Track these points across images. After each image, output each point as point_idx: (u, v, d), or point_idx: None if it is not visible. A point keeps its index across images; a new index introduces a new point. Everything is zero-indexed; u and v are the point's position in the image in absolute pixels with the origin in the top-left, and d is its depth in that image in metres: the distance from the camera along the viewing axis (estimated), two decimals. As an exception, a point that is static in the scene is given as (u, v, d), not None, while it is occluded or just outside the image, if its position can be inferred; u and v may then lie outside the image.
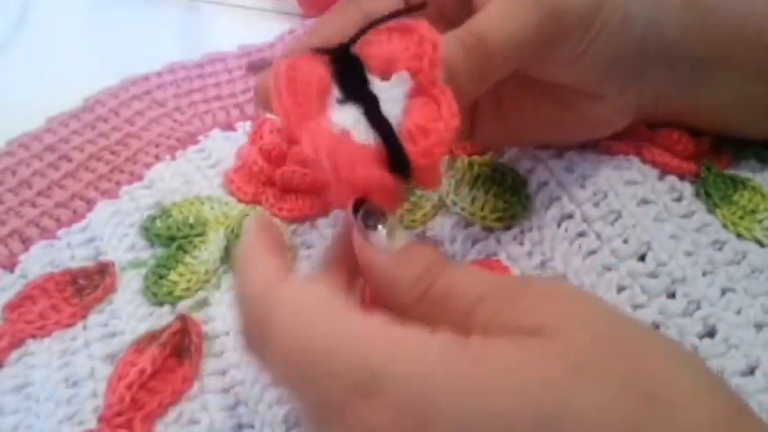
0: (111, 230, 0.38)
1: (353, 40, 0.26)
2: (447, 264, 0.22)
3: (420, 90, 0.24)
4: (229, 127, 0.46)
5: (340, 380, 0.20)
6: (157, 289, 0.35)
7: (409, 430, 0.19)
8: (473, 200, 0.34)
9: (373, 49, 0.26)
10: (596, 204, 0.33)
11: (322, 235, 0.36)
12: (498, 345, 0.20)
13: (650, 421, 0.18)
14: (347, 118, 0.24)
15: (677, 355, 0.20)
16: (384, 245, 0.23)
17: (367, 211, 0.23)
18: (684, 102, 0.34)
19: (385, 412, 0.19)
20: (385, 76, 0.25)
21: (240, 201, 0.39)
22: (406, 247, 0.23)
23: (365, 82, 0.25)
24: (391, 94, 0.24)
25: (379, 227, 0.23)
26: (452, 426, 0.19)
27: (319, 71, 0.25)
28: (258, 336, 0.22)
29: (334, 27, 0.29)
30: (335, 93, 0.25)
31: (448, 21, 0.29)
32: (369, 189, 0.23)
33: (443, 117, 0.23)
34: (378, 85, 0.25)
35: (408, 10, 0.27)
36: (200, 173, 0.41)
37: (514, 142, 0.35)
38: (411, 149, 0.23)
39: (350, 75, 0.25)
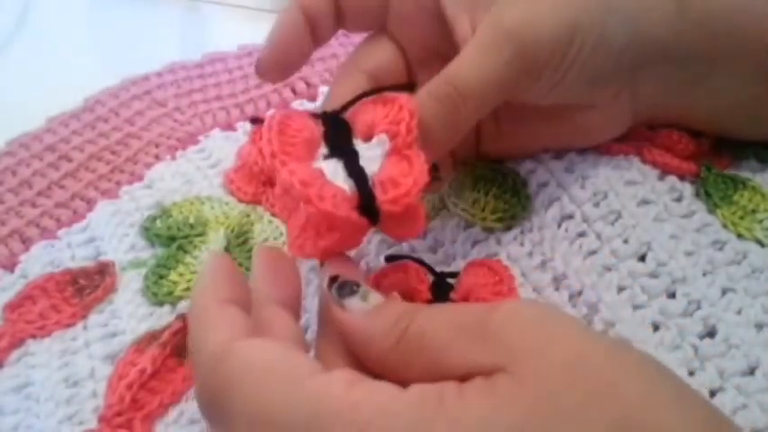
0: (112, 230, 0.38)
1: (345, 107, 0.29)
2: (417, 311, 0.22)
3: (396, 151, 0.27)
4: (229, 127, 0.46)
5: None
6: (158, 289, 0.35)
7: None
8: (474, 201, 0.34)
9: (359, 116, 0.28)
10: (596, 204, 0.33)
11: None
12: (470, 397, 0.19)
13: None
14: (329, 169, 0.26)
15: (650, 370, 0.19)
16: (359, 308, 0.23)
17: (341, 282, 0.24)
18: (683, 105, 0.34)
19: None
20: (367, 138, 0.27)
21: (240, 201, 0.39)
22: (378, 304, 0.23)
23: (350, 141, 0.28)
24: (371, 153, 0.27)
25: (354, 296, 0.24)
26: None
27: (311, 127, 0.28)
28: (217, 405, 0.21)
29: (345, 94, 0.30)
30: (322, 149, 0.27)
31: (439, 57, 0.31)
32: (334, 223, 0.25)
33: (413, 173, 0.26)
34: (360, 146, 0.27)
35: (396, 87, 0.29)
36: (200, 173, 0.41)
37: (518, 154, 0.36)
38: (381, 197, 0.25)
39: (337, 135, 0.28)
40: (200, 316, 0.23)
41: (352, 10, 0.32)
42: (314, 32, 0.32)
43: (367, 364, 0.23)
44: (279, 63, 0.31)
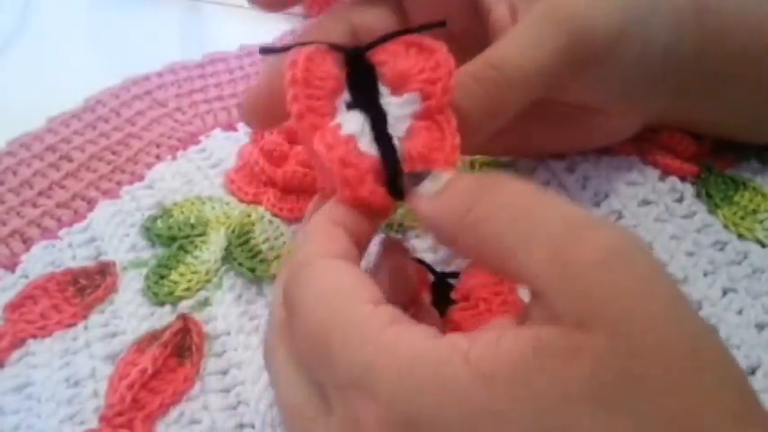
0: (113, 230, 0.38)
1: (371, 46, 0.27)
2: (489, 187, 0.21)
3: (427, 114, 0.25)
4: (230, 127, 0.46)
5: (340, 367, 0.20)
6: (158, 289, 0.35)
7: (395, 429, 0.19)
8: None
9: (389, 61, 0.26)
10: (597, 205, 0.33)
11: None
12: (506, 348, 0.18)
13: None
14: (354, 124, 0.25)
15: (720, 375, 0.18)
16: (429, 189, 0.23)
17: (414, 173, 0.24)
18: (691, 115, 0.34)
19: (372, 409, 0.19)
20: (396, 90, 0.26)
21: (241, 201, 0.39)
22: (446, 181, 0.23)
23: (376, 92, 0.26)
24: (399, 112, 0.25)
25: (426, 180, 0.23)
26: None
27: (335, 71, 0.26)
28: (289, 306, 0.23)
29: (321, 36, 0.28)
30: (346, 95, 0.26)
31: (457, 41, 0.29)
32: (368, 202, 0.24)
33: (444, 148, 0.24)
34: (387, 99, 0.26)
35: (428, 26, 0.27)
36: (201, 173, 0.41)
37: (525, 153, 0.35)
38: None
39: (362, 81, 0.26)
40: (309, 227, 0.25)
41: None
42: None
43: (441, 240, 0.23)
44: (262, 107, 0.30)
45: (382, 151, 0.25)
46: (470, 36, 0.30)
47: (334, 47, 0.26)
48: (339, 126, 0.25)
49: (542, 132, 0.34)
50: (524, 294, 0.31)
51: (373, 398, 0.19)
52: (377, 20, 0.30)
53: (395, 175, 0.24)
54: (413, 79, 0.25)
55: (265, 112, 0.30)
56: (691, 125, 0.35)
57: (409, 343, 0.20)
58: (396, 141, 0.25)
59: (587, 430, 0.17)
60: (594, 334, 0.17)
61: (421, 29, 0.27)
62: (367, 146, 0.25)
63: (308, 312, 0.22)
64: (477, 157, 0.36)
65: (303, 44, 0.26)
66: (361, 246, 0.25)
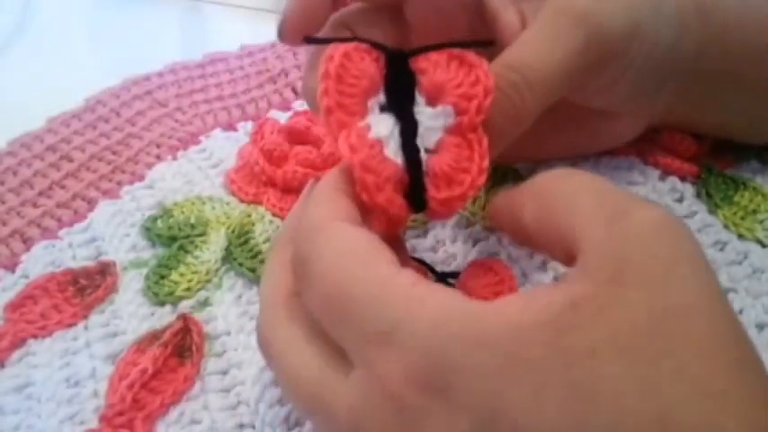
0: (113, 230, 0.38)
1: (415, 52, 0.26)
2: (562, 172, 0.23)
3: (459, 130, 0.25)
4: (231, 127, 0.46)
5: (367, 325, 0.20)
6: (159, 289, 0.35)
7: (427, 389, 0.19)
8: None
9: (428, 70, 0.26)
10: (597, 205, 0.33)
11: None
12: (533, 305, 0.19)
13: (686, 419, 0.17)
14: (384, 128, 0.24)
15: (740, 351, 0.19)
16: None
17: None
18: (693, 116, 0.34)
19: (402, 364, 0.19)
20: (432, 100, 0.25)
21: (241, 201, 0.39)
22: None
23: (411, 99, 0.25)
24: (432, 123, 0.25)
25: None
26: (476, 388, 0.18)
27: (371, 71, 0.25)
28: (302, 268, 0.23)
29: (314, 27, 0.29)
30: (381, 97, 0.25)
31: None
32: (383, 209, 0.24)
33: (472, 171, 0.24)
34: (421, 108, 0.25)
35: (475, 44, 0.27)
36: (201, 173, 0.41)
37: (527, 158, 0.35)
38: (432, 194, 0.24)
39: (400, 86, 0.26)
40: (316, 195, 0.24)
41: None
42: None
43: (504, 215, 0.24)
44: (300, 26, 0.29)
45: (408, 161, 0.24)
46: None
47: (378, 46, 0.26)
48: (368, 127, 0.24)
49: (551, 138, 0.33)
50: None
51: (402, 352, 0.19)
52: (378, 36, 0.30)
53: (417, 187, 0.24)
54: (450, 92, 0.25)
55: (300, 28, 0.29)
56: (692, 125, 0.35)
57: (439, 299, 0.20)
58: (423, 153, 0.24)
59: (613, 382, 0.17)
60: (627, 288, 0.18)
61: (468, 45, 0.26)
62: (393, 152, 0.24)
63: (326, 272, 0.22)
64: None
65: (347, 39, 0.26)
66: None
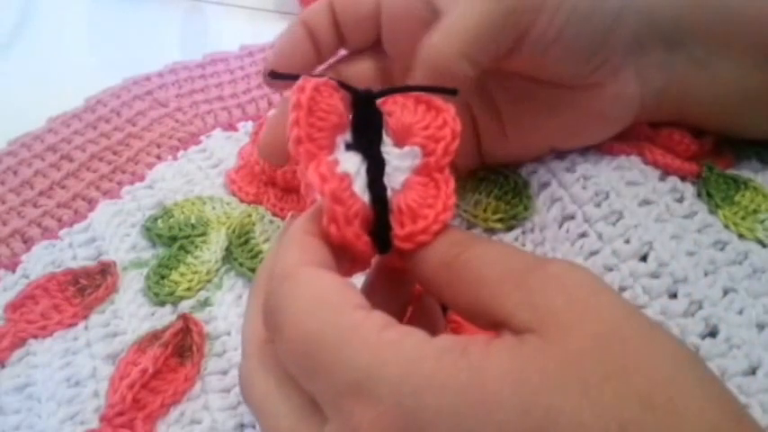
0: (113, 230, 0.38)
1: (382, 94, 0.27)
2: (474, 243, 0.23)
3: (426, 170, 0.25)
4: (231, 127, 0.46)
5: (335, 380, 0.20)
6: (159, 289, 0.35)
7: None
8: (475, 202, 0.34)
9: (395, 112, 0.26)
10: (598, 205, 0.33)
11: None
12: (496, 352, 0.20)
13: (643, 424, 0.18)
14: (351, 165, 0.24)
15: (681, 357, 0.20)
16: None
17: None
18: (686, 93, 0.34)
19: (375, 415, 0.19)
20: (399, 141, 0.25)
21: (242, 201, 0.39)
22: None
23: (379, 139, 0.25)
24: (398, 163, 0.25)
25: None
26: None
27: (340, 108, 0.26)
28: (272, 318, 0.22)
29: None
30: (347, 136, 0.26)
31: None
32: (351, 244, 0.24)
33: (436, 207, 0.24)
34: (388, 149, 0.25)
35: (440, 90, 0.27)
36: (201, 173, 0.41)
37: (524, 154, 0.35)
38: (396, 231, 0.24)
39: (367, 126, 0.26)
40: (285, 240, 0.24)
41: (348, 22, 0.32)
42: (316, 47, 0.32)
43: (421, 283, 0.25)
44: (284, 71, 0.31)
45: (374, 199, 0.24)
46: None
47: (344, 85, 0.26)
48: (336, 162, 0.24)
49: (537, 127, 0.33)
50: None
51: (373, 401, 0.19)
52: (363, 71, 0.32)
53: (383, 226, 0.24)
54: (417, 133, 0.25)
55: (282, 152, 0.30)
56: (690, 112, 0.34)
57: (408, 344, 0.20)
58: (389, 193, 0.24)
59: (569, 414, 0.18)
60: (560, 327, 0.20)
61: (435, 90, 0.27)
62: (360, 190, 0.24)
63: (295, 323, 0.21)
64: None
65: (315, 76, 0.26)
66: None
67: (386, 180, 0.25)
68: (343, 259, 0.24)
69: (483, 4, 0.27)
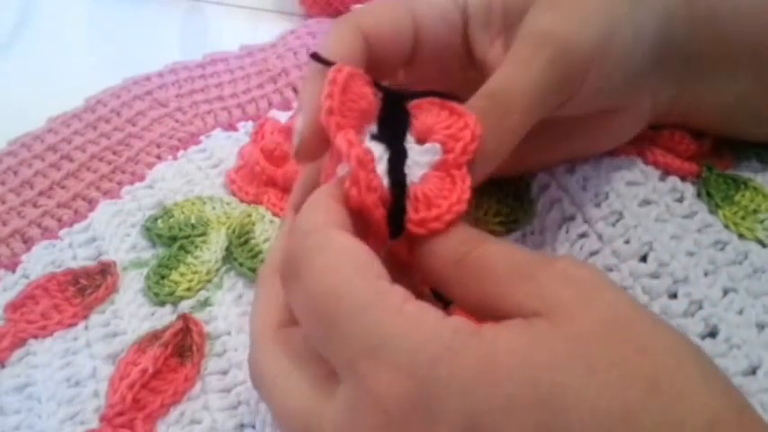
0: (113, 230, 0.38)
1: (412, 96, 0.27)
2: (483, 240, 0.24)
3: (444, 166, 0.25)
4: (231, 127, 0.46)
5: (355, 339, 0.21)
6: (159, 289, 0.35)
7: (412, 404, 0.20)
8: (476, 205, 0.34)
9: (421, 114, 0.27)
10: (598, 205, 0.33)
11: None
12: (506, 330, 0.20)
13: (647, 407, 0.18)
14: (376, 150, 0.25)
15: (685, 348, 0.20)
16: None
17: None
18: (690, 103, 0.34)
19: (389, 379, 0.20)
20: (421, 139, 0.26)
21: (242, 201, 0.39)
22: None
23: (403, 135, 0.26)
24: (418, 158, 0.26)
25: None
26: (457, 405, 0.19)
27: (370, 99, 0.26)
28: (293, 267, 0.23)
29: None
30: (373, 127, 0.26)
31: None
32: (370, 211, 0.24)
33: (451, 198, 0.25)
34: (411, 145, 0.26)
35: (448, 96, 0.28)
36: (201, 173, 0.41)
37: (534, 168, 0.35)
38: (411, 215, 0.25)
39: (394, 122, 0.27)
40: (311, 203, 0.24)
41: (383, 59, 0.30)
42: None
43: (430, 278, 0.25)
44: (314, 147, 0.28)
45: (393, 184, 0.25)
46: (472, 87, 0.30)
47: (377, 84, 0.27)
48: (363, 140, 0.25)
49: (553, 146, 0.34)
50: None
51: (390, 367, 0.20)
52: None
53: (399, 209, 0.24)
54: (438, 132, 0.26)
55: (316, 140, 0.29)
56: (691, 118, 0.35)
57: (428, 319, 0.21)
58: (409, 182, 0.25)
59: (575, 390, 0.19)
60: (570, 311, 0.20)
61: (459, 100, 0.27)
62: (381, 174, 0.25)
63: (319, 278, 0.22)
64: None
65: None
66: None
67: (406, 171, 0.25)
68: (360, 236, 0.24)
69: (535, 72, 0.27)
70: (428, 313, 0.21)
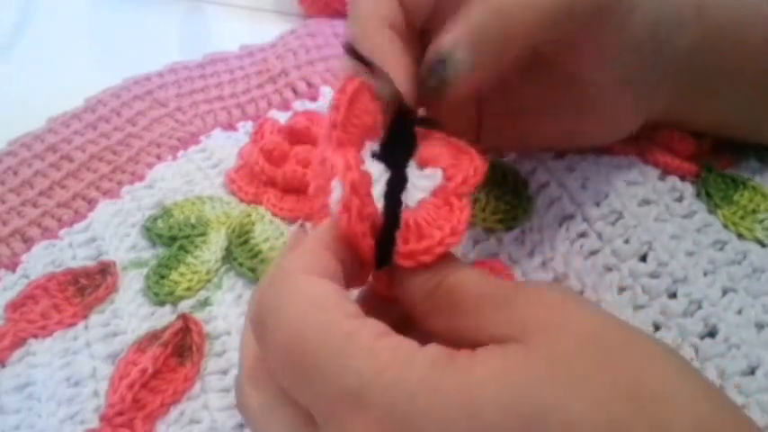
0: (113, 230, 0.38)
1: (423, 123, 0.27)
2: (454, 269, 0.23)
3: (443, 193, 0.25)
4: (231, 127, 0.46)
5: (328, 385, 0.20)
6: (159, 289, 0.35)
7: None
8: (475, 201, 0.34)
9: (428, 143, 0.26)
10: (597, 204, 0.33)
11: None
12: (483, 356, 0.20)
13: (633, 417, 0.18)
14: (375, 171, 0.25)
15: (662, 354, 0.20)
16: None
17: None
18: (688, 111, 0.34)
19: (367, 421, 0.19)
20: (423, 167, 0.26)
21: (241, 201, 0.39)
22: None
23: (407, 159, 0.26)
24: (418, 182, 0.25)
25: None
26: None
27: (376, 116, 0.26)
28: (262, 321, 0.22)
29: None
30: (375, 145, 0.26)
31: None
32: (354, 243, 0.23)
33: (444, 229, 0.24)
34: (411, 169, 0.26)
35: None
36: (201, 173, 0.41)
37: (520, 147, 0.35)
38: (400, 247, 0.24)
39: (399, 145, 0.26)
40: (290, 245, 0.24)
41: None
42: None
43: (403, 306, 0.24)
44: None
45: (387, 210, 0.24)
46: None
47: (403, 106, 0.26)
48: (363, 160, 0.25)
49: (545, 121, 0.33)
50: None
51: (367, 407, 0.20)
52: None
53: (388, 240, 0.24)
54: (442, 160, 0.25)
55: None
56: (690, 123, 0.35)
57: (400, 352, 0.20)
58: (403, 206, 0.24)
59: (560, 409, 0.19)
60: (547, 330, 0.20)
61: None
62: (377, 196, 0.24)
63: (288, 325, 0.21)
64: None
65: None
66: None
67: (403, 197, 0.25)
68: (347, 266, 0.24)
69: None
70: (401, 348, 0.20)
